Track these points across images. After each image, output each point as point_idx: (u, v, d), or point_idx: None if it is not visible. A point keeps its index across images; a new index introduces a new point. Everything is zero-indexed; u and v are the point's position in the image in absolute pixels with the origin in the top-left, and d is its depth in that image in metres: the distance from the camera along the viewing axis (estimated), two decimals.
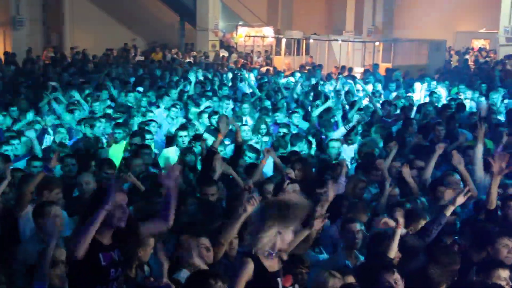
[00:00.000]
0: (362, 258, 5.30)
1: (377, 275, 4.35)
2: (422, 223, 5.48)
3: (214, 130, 8.76)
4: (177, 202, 4.34)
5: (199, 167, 7.61)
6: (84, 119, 9.48)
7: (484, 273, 4.55)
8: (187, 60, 23.24)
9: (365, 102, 12.01)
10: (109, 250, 3.92)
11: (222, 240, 4.74)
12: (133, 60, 22.60)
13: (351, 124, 9.08)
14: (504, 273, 4.52)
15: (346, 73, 18.58)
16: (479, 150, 7.24)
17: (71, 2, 27.47)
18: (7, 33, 23.22)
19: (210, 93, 12.72)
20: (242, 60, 23.99)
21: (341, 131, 9.09)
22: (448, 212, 5.22)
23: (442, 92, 13.66)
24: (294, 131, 9.50)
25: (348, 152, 8.64)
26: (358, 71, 20.08)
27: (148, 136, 8.53)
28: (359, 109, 10.78)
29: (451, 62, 24.63)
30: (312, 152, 8.57)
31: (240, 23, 28.92)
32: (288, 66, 22.98)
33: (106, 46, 24.78)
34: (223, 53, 26.01)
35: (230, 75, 16.65)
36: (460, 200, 5.22)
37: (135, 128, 9.39)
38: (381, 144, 8.89)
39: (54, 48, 25.61)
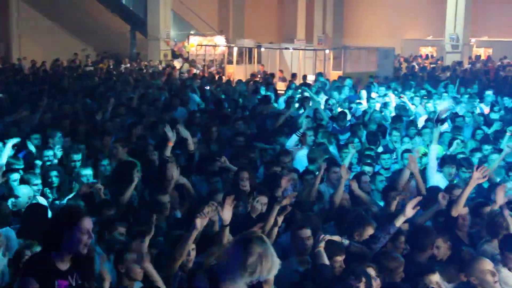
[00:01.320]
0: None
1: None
2: (370, 230, 5.58)
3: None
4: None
5: None
6: None
7: (415, 280, 4.69)
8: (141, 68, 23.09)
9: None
10: (67, 275, 3.79)
11: (176, 255, 4.74)
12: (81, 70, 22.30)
13: (301, 131, 9.23)
14: (434, 277, 4.66)
15: (297, 81, 18.81)
16: (434, 151, 7.44)
17: (18, 12, 26.99)
18: None
19: None
20: (194, 70, 23.95)
21: (293, 139, 9.21)
22: (398, 223, 5.33)
23: (392, 99, 13.98)
24: None
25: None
26: (310, 79, 20.32)
27: None
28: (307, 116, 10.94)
29: (402, 69, 25.20)
30: None
31: (192, 32, 28.91)
32: (230, 75, 23.06)
33: (55, 56, 24.40)
34: (176, 63, 25.95)
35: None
36: (410, 212, 5.32)
37: None
38: (332, 149, 9.11)
39: (2, 58, 25.10)
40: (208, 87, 15.87)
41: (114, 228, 5.30)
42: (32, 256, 3.96)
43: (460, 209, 5.75)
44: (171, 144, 7.28)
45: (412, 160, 6.77)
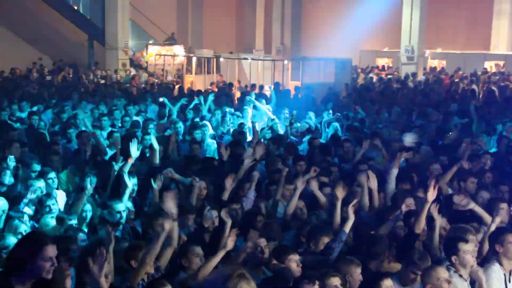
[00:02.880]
0: (268, 273, 5.37)
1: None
2: (325, 240, 5.66)
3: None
4: None
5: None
6: None
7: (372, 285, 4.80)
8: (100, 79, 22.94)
9: None
10: None
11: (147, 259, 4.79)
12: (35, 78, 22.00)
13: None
14: (388, 282, 4.77)
15: (256, 91, 18.92)
16: (393, 175, 7.51)
17: None
18: None
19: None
20: (152, 79, 23.88)
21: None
22: (347, 228, 5.44)
23: None
24: None
25: None
26: (268, 89, 20.47)
27: None
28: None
29: (358, 80, 25.58)
30: None
31: (150, 41, 28.81)
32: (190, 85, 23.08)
33: (10, 65, 23.98)
34: (133, 72, 25.83)
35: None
36: (351, 216, 5.49)
37: None
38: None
39: None
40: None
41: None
42: None
43: (421, 226, 5.70)
44: (131, 161, 7.27)
45: (372, 176, 6.87)
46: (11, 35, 27.26)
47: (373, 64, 30.42)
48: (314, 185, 6.93)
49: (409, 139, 9.69)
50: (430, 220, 5.73)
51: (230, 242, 5.14)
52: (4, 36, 26.83)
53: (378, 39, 31.78)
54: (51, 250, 3.75)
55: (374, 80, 25.01)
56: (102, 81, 22.19)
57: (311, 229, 5.86)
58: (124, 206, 6.26)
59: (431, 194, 5.60)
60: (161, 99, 13.96)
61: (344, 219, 5.86)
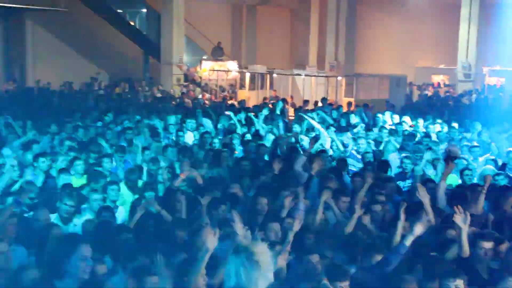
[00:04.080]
0: None
1: None
2: (378, 258, 5.52)
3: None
4: None
5: None
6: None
7: None
8: (157, 94, 23.27)
9: None
10: None
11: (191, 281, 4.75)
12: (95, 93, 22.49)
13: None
14: None
15: (310, 107, 18.85)
16: (442, 188, 7.35)
17: (33, 35, 27.32)
18: None
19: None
20: (207, 95, 24.08)
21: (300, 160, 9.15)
22: (408, 242, 5.30)
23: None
24: None
25: None
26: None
27: None
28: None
29: (413, 98, 25.15)
30: None
31: (205, 57, 29.10)
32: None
33: (70, 80, 24.63)
34: (188, 87, 26.12)
35: None
36: (419, 231, 5.32)
37: None
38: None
39: (15, 81, 25.37)
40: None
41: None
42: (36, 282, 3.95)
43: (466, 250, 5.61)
44: (183, 176, 7.32)
45: (422, 189, 6.73)
46: (68, 50, 27.99)
47: (429, 81, 29.90)
48: (366, 220, 6.90)
49: (454, 149, 9.48)
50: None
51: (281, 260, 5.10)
52: (61, 51, 27.57)
53: (434, 55, 31.21)
54: (86, 250, 3.80)
55: (430, 95, 24.57)
56: (159, 95, 22.47)
57: (366, 247, 5.76)
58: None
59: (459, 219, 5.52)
60: (227, 113, 14.05)
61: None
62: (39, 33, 27.45)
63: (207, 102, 21.14)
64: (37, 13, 26.55)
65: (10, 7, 25.35)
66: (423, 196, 6.63)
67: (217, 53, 28.21)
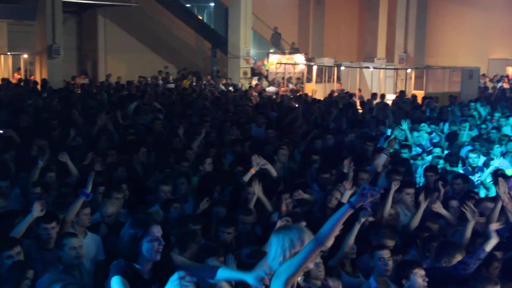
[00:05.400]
0: (392, 285, 5.27)
1: None
2: (459, 257, 5.35)
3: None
4: None
5: None
6: None
7: None
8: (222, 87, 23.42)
9: None
10: (150, 284, 3.86)
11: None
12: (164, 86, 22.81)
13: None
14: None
15: (378, 100, 18.50)
16: None
17: (105, 30, 28.03)
18: (43, 61, 23.76)
19: None
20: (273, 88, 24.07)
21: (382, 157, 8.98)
22: (489, 247, 5.09)
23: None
24: None
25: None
26: (390, 98, 19.98)
27: None
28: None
29: (489, 90, 24.25)
30: None
31: (271, 50, 29.08)
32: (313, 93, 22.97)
33: (139, 73, 25.12)
34: (254, 80, 26.19)
35: None
36: (494, 236, 5.13)
37: None
38: None
39: (87, 75, 26.10)
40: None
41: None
42: (119, 264, 4.01)
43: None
44: (253, 171, 7.31)
45: (503, 185, 6.43)
46: (138, 45, 28.56)
47: (503, 73, 28.83)
48: (438, 206, 6.76)
49: None
50: None
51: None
52: (131, 45, 28.15)
53: (509, 46, 30.06)
54: (156, 230, 3.82)
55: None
56: (231, 88, 22.58)
57: (443, 244, 5.56)
58: (253, 217, 6.50)
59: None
60: None
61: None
62: (111, 28, 28.14)
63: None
64: (108, 8, 27.22)
65: (83, 3, 26.10)
66: (503, 191, 6.34)
67: (276, 39, 28.19)
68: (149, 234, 3.78)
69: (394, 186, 6.92)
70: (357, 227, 5.77)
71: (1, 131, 10.03)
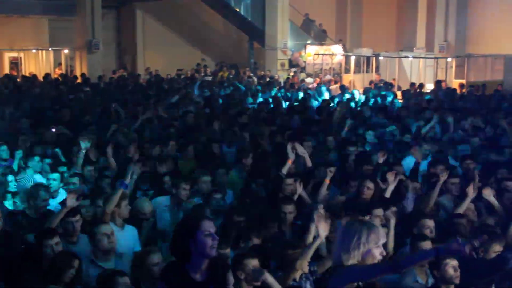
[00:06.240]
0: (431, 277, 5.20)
1: None
2: (497, 247, 5.24)
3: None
4: None
5: None
6: None
7: None
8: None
9: None
10: (202, 287, 3.76)
11: (296, 266, 4.82)
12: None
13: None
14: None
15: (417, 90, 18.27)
16: None
17: (143, 24, 28.30)
18: (83, 56, 24.17)
19: None
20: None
21: None
22: None
23: None
24: None
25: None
26: (429, 87, 19.68)
27: None
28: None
29: None
30: None
31: (309, 41, 28.90)
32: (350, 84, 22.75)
33: (177, 67, 25.30)
34: (292, 72, 26.10)
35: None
36: None
37: None
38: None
39: (126, 70, 26.39)
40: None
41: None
42: (168, 265, 4.01)
43: None
44: (290, 163, 7.29)
45: None
46: (175, 38, 28.75)
47: None
48: (487, 193, 6.65)
49: None
50: None
51: None
52: (169, 39, 28.37)
53: None
54: (209, 225, 3.74)
55: None
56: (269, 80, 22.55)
57: (483, 234, 5.43)
58: (293, 206, 6.37)
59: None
60: None
61: None
62: (149, 22, 28.39)
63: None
64: (147, 3, 27.47)
65: None
66: None
67: (308, 26, 27.98)
68: (202, 230, 3.71)
69: (442, 177, 6.82)
70: (392, 224, 5.72)
71: (54, 129, 10.30)
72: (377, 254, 3.55)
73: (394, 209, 6.21)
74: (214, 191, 6.95)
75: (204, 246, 3.69)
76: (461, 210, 6.47)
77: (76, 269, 4.82)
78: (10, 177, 7.41)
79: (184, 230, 3.76)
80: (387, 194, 6.65)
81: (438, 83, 19.04)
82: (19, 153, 8.51)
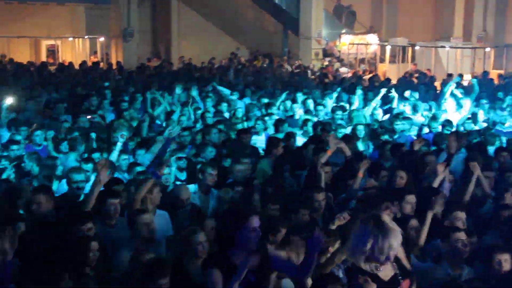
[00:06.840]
0: (467, 269, 5.14)
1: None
2: None
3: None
4: None
5: None
6: None
7: None
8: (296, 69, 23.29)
9: None
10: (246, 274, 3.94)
11: (336, 260, 4.87)
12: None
13: None
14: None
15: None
16: None
17: (178, 13, 28.38)
18: (118, 44, 24.38)
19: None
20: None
21: None
22: None
23: None
24: None
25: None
26: (467, 78, 19.32)
27: None
28: None
29: None
30: None
31: (343, 31, 28.62)
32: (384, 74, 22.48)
33: (211, 55, 25.34)
34: (326, 62, 25.90)
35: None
36: None
37: None
38: None
39: (159, 58, 26.53)
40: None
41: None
42: (213, 254, 4.26)
43: None
44: (329, 153, 7.24)
45: None
46: (210, 26, 28.77)
47: None
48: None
49: None
50: None
51: None
52: (203, 27, 28.40)
53: None
54: (255, 221, 3.95)
55: None
56: (297, 71, 22.46)
57: None
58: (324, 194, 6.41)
59: None
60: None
61: None
62: (184, 10, 28.46)
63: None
64: None
65: None
66: None
67: (339, 11, 27.72)
68: (248, 225, 3.92)
69: (476, 172, 6.78)
70: (430, 216, 5.64)
71: (89, 116, 10.44)
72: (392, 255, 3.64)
73: (441, 200, 6.11)
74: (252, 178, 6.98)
75: (248, 240, 3.93)
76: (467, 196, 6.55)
77: (97, 251, 4.82)
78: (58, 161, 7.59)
79: (232, 222, 3.98)
80: (435, 184, 6.63)
81: (485, 74, 18.68)
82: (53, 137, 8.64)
